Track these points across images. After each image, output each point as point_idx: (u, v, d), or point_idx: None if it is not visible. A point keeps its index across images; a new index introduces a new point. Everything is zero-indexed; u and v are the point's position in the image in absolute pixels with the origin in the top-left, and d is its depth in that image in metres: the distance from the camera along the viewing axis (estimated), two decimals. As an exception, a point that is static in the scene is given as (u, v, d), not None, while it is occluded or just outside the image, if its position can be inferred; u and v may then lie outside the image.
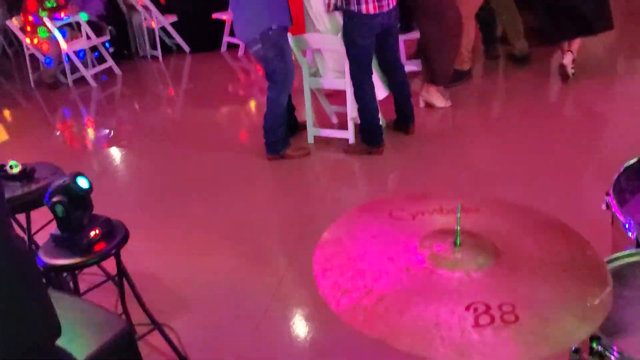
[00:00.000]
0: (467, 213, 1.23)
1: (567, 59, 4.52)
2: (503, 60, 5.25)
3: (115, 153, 4.83)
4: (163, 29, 7.33)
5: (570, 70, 4.54)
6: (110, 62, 6.95)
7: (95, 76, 6.81)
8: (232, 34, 6.97)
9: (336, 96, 4.34)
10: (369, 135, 3.94)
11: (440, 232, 1.21)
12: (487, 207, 1.32)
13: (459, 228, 1.15)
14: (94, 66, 6.97)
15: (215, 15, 6.99)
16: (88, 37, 6.74)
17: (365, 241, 1.23)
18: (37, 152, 5.05)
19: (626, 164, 1.61)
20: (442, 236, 1.19)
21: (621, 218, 1.44)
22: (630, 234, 1.41)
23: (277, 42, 3.72)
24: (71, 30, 6.97)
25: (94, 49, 7.01)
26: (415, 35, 4.89)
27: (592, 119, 4.21)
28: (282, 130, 4.00)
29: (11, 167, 2.33)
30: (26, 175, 2.34)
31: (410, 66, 4.84)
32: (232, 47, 7.14)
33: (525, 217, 1.31)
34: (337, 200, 3.54)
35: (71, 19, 6.70)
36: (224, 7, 6.79)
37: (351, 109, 3.98)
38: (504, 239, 1.19)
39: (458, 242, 1.16)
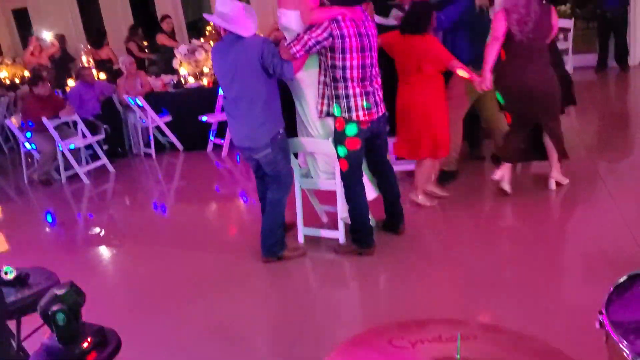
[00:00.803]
0: (466, 341, 1.26)
1: (555, 173, 4.62)
2: (488, 161, 5.40)
3: (106, 253, 4.83)
4: (157, 127, 7.54)
5: (564, 181, 4.65)
6: (104, 160, 7.08)
7: (89, 173, 6.92)
8: (219, 135, 7.19)
9: (326, 195, 4.43)
10: (360, 236, 3.98)
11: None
12: (486, 334, 1.35)
13: (459, 357, 1.17)
14: (87, 163, 7.09)
15: (201, 118, 7.21)
16: (84, 136, 6.91)
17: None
18: (28, 250, 5.05)
19: (616, 283, 1.65)
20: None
21: (615, 337, 1.46)
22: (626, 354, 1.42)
23: (284, 146, 3.86)
24: (67, 128, 7.15)
25: (88, 146, 7.16)
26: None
27: (582, 222, 4.31)
28: (280, 232, 4.03)
29: (6, 273, 2.34)
30: (20, 281, 2.35)
31: (399, 167, 4.97)
32: (217, 147, 7.30)
33: (523, 345, 1.33)
34: (328, 307, 3.50)
35: (67, 119, 6.90)
36: (211, 110, 7.11)
37: (342, 209, 4.05)
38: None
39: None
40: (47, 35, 9.97)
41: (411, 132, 4.42)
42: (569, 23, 7.85)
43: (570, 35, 7.90)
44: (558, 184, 4.63)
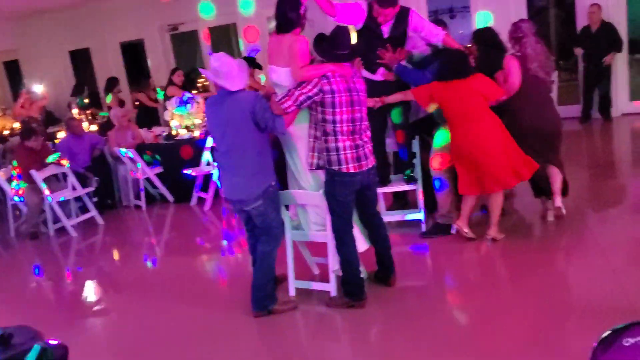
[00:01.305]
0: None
1: (557, 201, 4.79)
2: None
3: (94, 308, 4.74)
4: (148, 179, 7.54)
5: (563, 211, 4.79)
6: (93, 212, 7.04)
7: (78, 226, 6.86)
8: (203, 189, 7.20)
9: (317, 247, 4.41)
10: (351, 288, 3.95)
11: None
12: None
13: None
14: (77, 216, 7.04)
15: (184, 171, 7.22)
16: (74, 188, 6.89)
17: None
18: (14, 307, 4.95)
19: (600, 338, 1.64)
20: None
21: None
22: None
23: (275, 198, 3.87)
24: (56, 180, 7.13)
25: (78, 198, 7.13)
26: (391, 188, 5.11)
27: (570, 271, 4.31)
28: (270, 285, 3.99)
29: (-11, 332, 2.27)
30: (3, 341, 2.28)
31: (389, 218, 4.98)
32: (201, 200, 7.26)
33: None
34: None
35: (57, 171, 6.89)
36: (196, 164, 7.15)
37: (333, 262, 4.03)
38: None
39: None
40: (38, 88, 10.02)
41: (487, 167, 4.47)
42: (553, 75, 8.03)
43: (555, 86, 8.06)
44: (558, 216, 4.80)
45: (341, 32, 3.82)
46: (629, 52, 8.62)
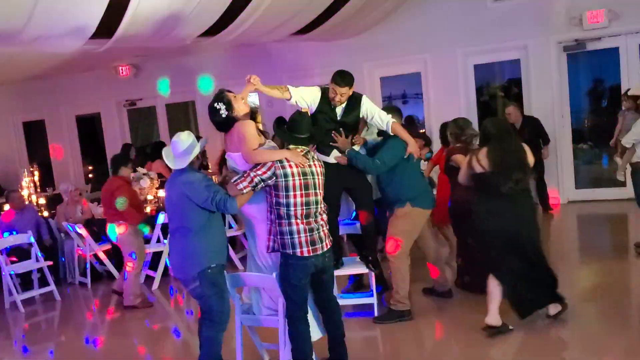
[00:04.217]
0: None
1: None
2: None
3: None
4: (95, 255, 7.29)
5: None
6: (37, 290, 6.74)
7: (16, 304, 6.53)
8: (152, 267, 7.01)
9: (269, 332, 4.28)
10: (302, 377, 3.82)
11: None
12: None
13: None
14: (18, 292, 6.70)
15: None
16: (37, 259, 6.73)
17: None
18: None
19: None
20: None
21: None
22: None
23: (216, 281, 3.78)
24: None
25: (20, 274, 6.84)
26: (347, 271, 5.08)
27: None
28: (216, 374, 3.84)
29: None
30: None
31: (343, 302, 4.91)
32: (150, 278, 7.03)
33: None
34: None
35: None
36: (146, 241, 6.98)
37: (284, 351, 3.90)
38: None
39: None
40: None
41: None
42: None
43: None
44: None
45: (300, 117, 3.94)
46: (573, 142, 8.99)
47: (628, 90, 6.69)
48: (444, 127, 5.90)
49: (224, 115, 3.83)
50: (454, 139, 5.41)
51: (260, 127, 7.68)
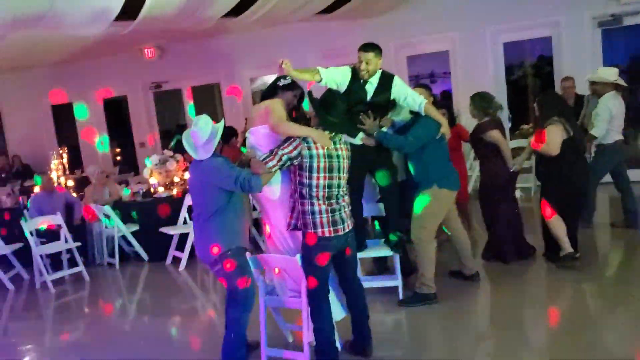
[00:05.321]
0: None
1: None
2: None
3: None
4: (123, 236, 7.37)
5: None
6: (67, 271, 6.86)
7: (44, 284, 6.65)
8: (178, 247, 7.06)
9: (292, 314, 4.27)
10: (325, 358, 3.79)
11: None
12: None
13: None
14: (49, 273, 6.83)
15: (162, 230, 7.10)
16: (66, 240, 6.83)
17: None
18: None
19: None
20: None
21: None
22: None
23: (237, 263, 3.77)
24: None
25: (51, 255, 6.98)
26: (372, 253, 5.03)
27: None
28: (241, 353, 3.84)
29: None
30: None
31: (367, 284, 4.86)
32: (177, 259, 7.10)
33: None
34: None
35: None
36: (173, 222, 7.04)
37: (308, 331, 3.88)
38: None
39: None
40: None
41: None
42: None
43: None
44: None
45: (333, 98, 4.06)
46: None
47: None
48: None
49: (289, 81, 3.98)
50: (481, 113, 5.36)
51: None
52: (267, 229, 4.08)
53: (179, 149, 6.41)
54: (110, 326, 5.50)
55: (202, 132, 3.76)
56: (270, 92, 4.10)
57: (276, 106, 3.87)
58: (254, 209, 7.18)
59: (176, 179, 7.53)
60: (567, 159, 5.11)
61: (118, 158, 12.27)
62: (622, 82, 6.05)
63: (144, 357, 4.51)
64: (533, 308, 4.68)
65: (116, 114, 12.54)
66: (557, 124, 5.08)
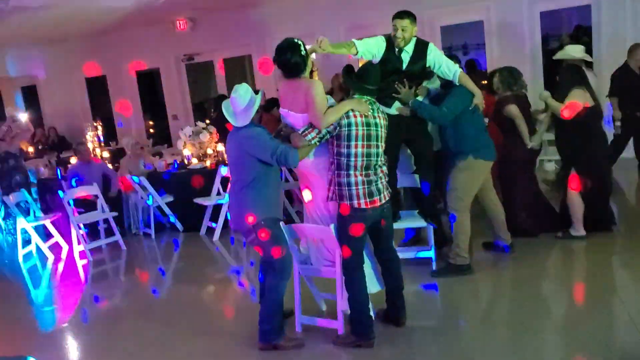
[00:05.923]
0: None
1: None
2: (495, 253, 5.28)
3: (96, 336, 4.66)
4: (159, 207, 7.50)
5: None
6: (103, 240, 7.02)
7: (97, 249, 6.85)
8: (212, 218, 7.16)
9: (326, 282, 4.31)
10: (359, 327, 3.84)
11: None
12: None
13: None
14: (86, 242, 7.01)
15: (196, 201, 7.20)
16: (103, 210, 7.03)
17: None
18: (15, 332, 4.89)
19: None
20: None
21: None
22: None
23: (272, 232, 3.80)
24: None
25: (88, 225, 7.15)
26: (406, 224, 5.03)
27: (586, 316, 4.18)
28: (277, 320, 3.91)
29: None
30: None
31: (400, 255, 4.87)
32: (211, 230, 7.21)
33: None
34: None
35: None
36: (207, 193, 7.12)
37: (341, 300, 3.92)
38: None
39: None
40: (23, 116, 8.18)
41: None
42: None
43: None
44: None
45: (372, 68, 3.97)
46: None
47: None
48: (492, 75, 5.67)
49: (302, 53, 3.77)
50: (505, 87, 5.28)
51: None
52: (308, 195, 4.06)
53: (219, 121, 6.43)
54: (146, 294, 5.63)
55: (241, 99, 3.78)
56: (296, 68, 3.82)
57: (318, 93, 3.67)
58: (286, 180, 7.23)
59: (209, 151, 7.59)
60: (593, 130, 5.18)
61: (151, 130, 12.41)
62: (589, 58, 5.89)
63: (180, 324, 4.61)
64: (566, 278, 4.66)
65: (149, 87, 12.65)
66: (581, 89, 5.09)
